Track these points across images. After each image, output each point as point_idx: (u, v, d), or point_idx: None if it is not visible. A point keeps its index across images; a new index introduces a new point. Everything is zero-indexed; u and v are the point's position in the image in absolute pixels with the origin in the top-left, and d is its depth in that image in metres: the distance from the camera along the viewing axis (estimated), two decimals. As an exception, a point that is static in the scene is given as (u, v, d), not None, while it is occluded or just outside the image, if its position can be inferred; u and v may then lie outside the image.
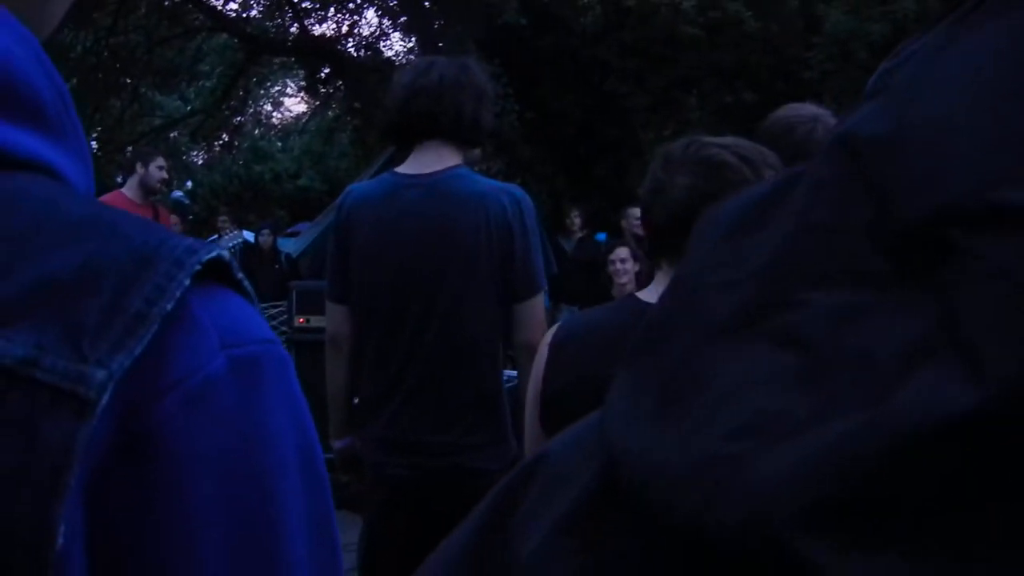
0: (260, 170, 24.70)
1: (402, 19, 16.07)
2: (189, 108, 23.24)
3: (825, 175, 0.46)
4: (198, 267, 0.54)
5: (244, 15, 17.23)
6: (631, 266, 8.01)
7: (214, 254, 0.56)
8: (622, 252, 8.17)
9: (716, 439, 0.42)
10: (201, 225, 17.77)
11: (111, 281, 0.52)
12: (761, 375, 0.43)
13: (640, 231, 2.26)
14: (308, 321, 6.95)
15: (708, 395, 0.44)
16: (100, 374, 0.49)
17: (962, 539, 0.38)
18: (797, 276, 0.44)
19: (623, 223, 9.77)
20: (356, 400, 3.20)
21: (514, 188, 3.10)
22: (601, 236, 10.79)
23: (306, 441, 0.59)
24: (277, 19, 17.32)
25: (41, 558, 0.48)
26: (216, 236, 10.71)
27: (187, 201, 9.09)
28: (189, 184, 22.29)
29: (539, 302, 3.04)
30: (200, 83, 23.42)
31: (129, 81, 17.68)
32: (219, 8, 16.78)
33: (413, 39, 16.21)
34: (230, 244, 10.12)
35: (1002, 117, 0.42)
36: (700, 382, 0.45)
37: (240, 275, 0.59)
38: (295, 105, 31.21)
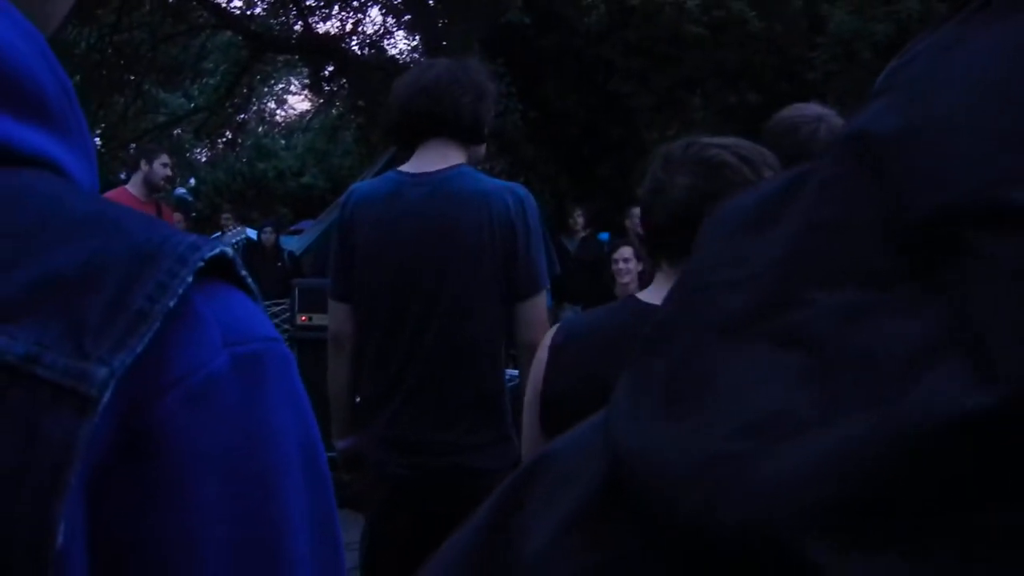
0: (263, 168, 24.73)
1: (406, 17, 16.08)
2: (193, 105, 23.26)
3: (832, 174, 0.46)
4: (201, 264, 0.54)
5: (248, 12, 17.25)
6: (634, 265, 8.01)
7: (217, 251, 0.55)
8: (625, 251, 8.17)
9: (718, 438, 0.42)
10: (204, 222, 17.78)
11: (114, 278, 0.51)
12: (765, 375, 0.43)
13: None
14: (311, 319, 6.97)
15: (711, 394, 0.44)
16: (102, 372, 0.49)
17: (965, 540, 0.38)
18: (803, 275, 0.44)
19: (627, 223, 9.77)
20: (358, 399, 3.20)
21: (517, 187, 3.10)
22: (604, 236, 10.79)
23: (309, 439, 0.58)
24: (281, 17, 17.34)
25: (41, 557, 0.47)
26: (219, 233, 10.72)
27: (190, 198, 9.10)
28: (192, 181, 22.33)
29: (541, 301, 3.04)
30: (204, 80, 23.45)
31: (133, 78, 17.71)
32: (223, 5, 16.79)
33: (417, 37, 16.23)
34: (233, 240, 10.14)
35: (1011, 116, 0.42)
36: (704, 381, 0.45)
37: (244, 272, 0.58)
38: (299, 103, 31.34)
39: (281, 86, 29.49)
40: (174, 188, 7.72)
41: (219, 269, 0.56)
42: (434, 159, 3.03)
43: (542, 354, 2.20)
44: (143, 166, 6.77)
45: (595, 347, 2.07)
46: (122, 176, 8.45)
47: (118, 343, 0.50)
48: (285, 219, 17.39)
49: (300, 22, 16.85)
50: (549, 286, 3.13)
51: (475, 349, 2.97)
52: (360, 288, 3.06)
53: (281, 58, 20.75)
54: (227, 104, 20.82)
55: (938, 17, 0.50)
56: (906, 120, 0.44)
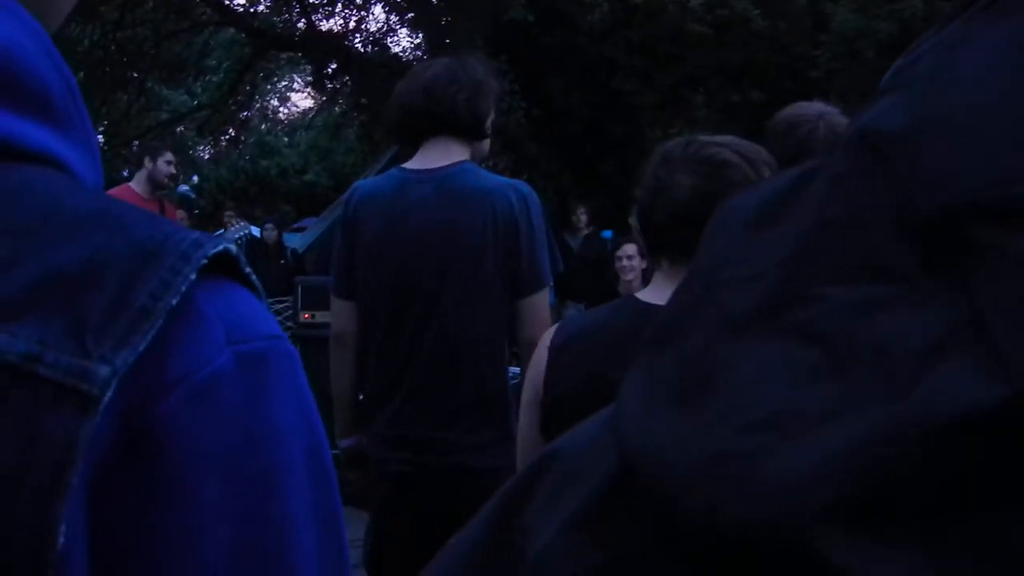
0: (266, 165, 24.74)
1: (409, 15, 16.07)
2: (196, 103, 23.25)
3: (843, 170, 0.46)
4: (204, 261, 0.53)
5: (251, 10, 17.24)
6: (638, 263, 8.00)
7: (220, 248, 0.55)
8: (629, 248, 8.16)
9: (728, 436, 0.42)
10: (207, 220, 17.79)
11: (116, 275, 0.51)
12: (778, 371, 0.43)
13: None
14: (313, 317, 6.97)
15: (724, 391, 0.44)
16: (104, 370, 0.49)
17: (984, 537, 0.38)
18: (815, 271, 0.44)
19: (631, 220, 9.76)
20: (361, 397, 3.20)
21: (521, 184, 3.10)
22: (607, 233, 10.79)
23: (313, 437, 0.58)
24: (284, 14, 17.32)
25: (42, 557, 0.47)
26: (222, 231, 10.72)
27: (193, 196, 9.10)
28: (195, 179, 22.33)
29: (544, 298, 3.04)
30: (207, 78, 23.44)
31: (136, 75, 17.70)
32: (226, 2, 16.79)
33: (420, 35, 16.22)
34: (236, 236, 10.13)
35: (1018, 113, 0.42)
36: (716, 378, 0.45)
37: (247, 269, 0.58)
38: (302, 100, 31.34)
39: (284, 83, 29.49)
40: (177, 185, 7.72)
41: (223, 266, 0.56)
42: (437, 156, 3.03)
43: (541, 355, 2.19)
44: (147, 163, 6.79)
45: (597, 348, 2.06)
46: (124, 173, 8.46)
47: (120, 341, 0.50)
48: (288, 216, 17.41)
49: (303, 19, 16.83)
50: (552, 283, 3.13)
51: (477, 347, 2.97)
52: (363, 285, 3.06)
53: (284, 55, 20.73)
54: (230, 101, 20.81)
55: (943, 16, 0.50)
56: (914, 117, 0.44)
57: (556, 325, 2.28)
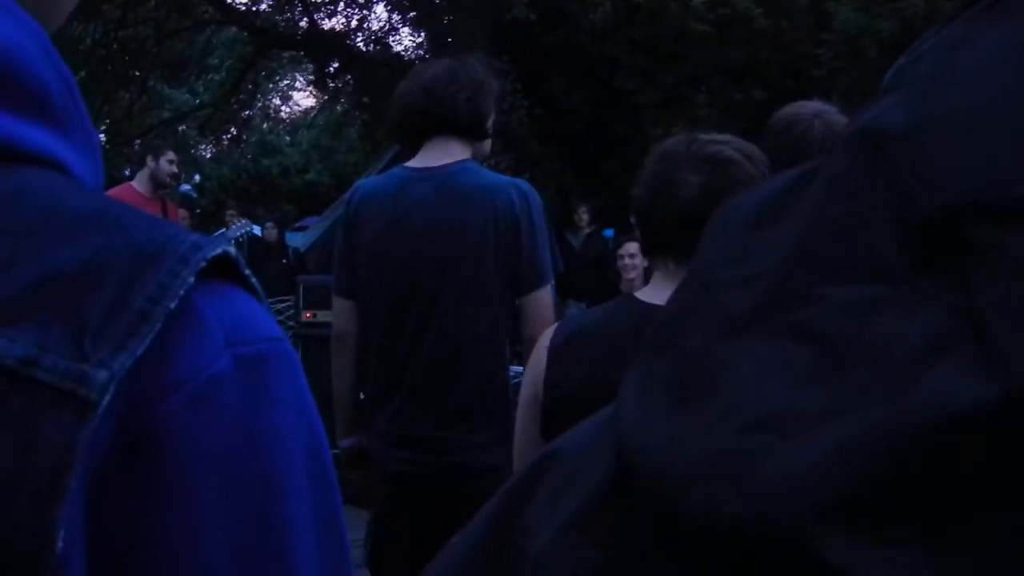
0: (268, 164, 24.74)
1: (411, 14, 16.07)
2: (198, 101, 23.23)
3: (842, 169, 0.46)
4: (203, 264, 0.53)
5: (253, 8, 17.24)
6: (640, 261, 8.00)
7: (220, 250, 0.55)
8: (631, 247, 8.16)
9: (730, 434, 0.42)
10: (209, 219, 17.79)
11: (115, 278, 0.51)
12: (777, 370, 0.43)
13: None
14: (315, 316, 6.98)
15: (723, 391, 0.44)
16: (102, 374, 0.49)
17: (984, 536, 0.38)
18: (814, 271, 0.44)
19: (632, 219, 9.75)
20: (362, 396, 3.21)
21: (522, 183, 3.11)
22: (609, 232, 10.79)
23: (313, 439, 0.58)
24: (287, 13, 17.32)
25: (41, 561, 0.47)
26: (224, 230, 10.73)
27: (195, 195, 9.10)
28: (197, 178, 22.33)
29: (547, 295, 3.04)
30: (209, 76, 23.44)
31: (138, 74, 17.70)
32: (228, 1, 16.78)
33: (422, 34, 16.22)
34: (237, 234, 10.14)
35: (1018, 113, 0.42)
36: (715, 378, 0.45)
37: (247, 271, 0.58)
38: (304, 99, 31.29)
39: (286, 82, 29.49)
40: (179, 184, 7.73)
41: (222, 269, 0.56)
42: (438, 155, 3.04)
43: (540, 355, 2.19)
44: (149, 162, 6.80)
45: (598, 348, 2.06)
46: (127, 172, 8.46)
47: (118, 345, 0.50)
48: (290, 216, 17.41)
49: (305, 18, 16.83)
50: (553, 282, 3.13)
51: (478, 346, 2.97)
52: (364, 284, 3.07)
53: (286, 54, 20.73)
54: (232, 100, 20.80)
55: (945, 15, 0.50)
56: (915, 117, 0.44)
57: (555, 325, 2.27)
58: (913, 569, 0.38)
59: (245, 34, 18.05)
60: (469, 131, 3.07)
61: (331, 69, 17.53)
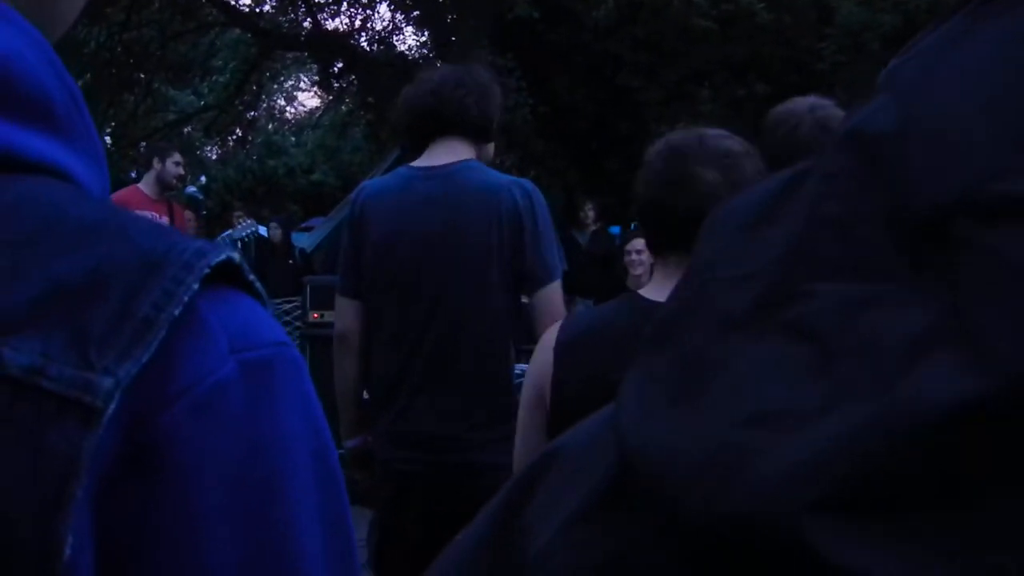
0: (274, 165, 24.72)
1: (415, 13, 16.07)
2: (202, 103, 23.25)
3: (835, 168, 0.47)
4: (207, 270, 0.53)
5: (257, 10, 17.24)
6: (647, 257, 7.98)
7: (223, 257, 0.55)
8: (638, 243, 8.14)
9: (725, 431, 0.43)
10: (215, 220, 17.80)
11: (119, 286, 0.51)
12: (770, 368, 0.43)
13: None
14: (322, 316, 6.97)
15: (720, 387, 0.44)
16: (107, 382, 0.49)
17: (974, 527, 0.39)
18: (808, 268, 0.45)
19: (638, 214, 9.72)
20: (366, 396, 3.22)
21: (525, 182, 3.13)
22: (615, 229, 10.79)
23: (320, 442, 0.58)
24: (290, 14, 17.33)
25: (49, 569, 0.47)
26: (230, 231, 10.74)
27: (201, 196, 9.09)
28: (203, 179, 22.32)
29: (556, 292, 3.04)
30: (213, 78, 23.46)
31: (143, 76, 17.72)
32: (232, 3, 16.79)
33: (426, 33, 16.22)
34: (243, 234, 10.15)
35: (1009, 109, 0.42)
36: (713, 376, 0.45)
37: (251, 277, 0.58)
38: (308, 100, 31.34)
39: (291, 83, 29.51)
40: (185, 186, 7.74)
41: (227, 274, 0.56)
42: (443, 155, 3.06)
43: (544, 355, 2.17)
44: (156, 164, 6.81)
45: (604, 347, 2.04)
46: (132, 175, 8.46)
47: (123, 353, 0.50)
48: (296, 216, 17.40)
49: (309, 19, 16.85)
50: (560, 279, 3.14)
51: (481, 344, 2.98)
52: (369, 283, 3.08)
53: (290, 55, 20.75)
54: (237, 101, 20.83)
55: (942, 12, 0.51)
56: (903, 117, 0.45)
57: (558, 324, 2.26)
58: (908, 563, 0.38)
59: (249, 35, 18.07)
60: (476, 133, 3.10)
61: (335, 69, 17.54)
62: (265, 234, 11.55)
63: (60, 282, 0.51)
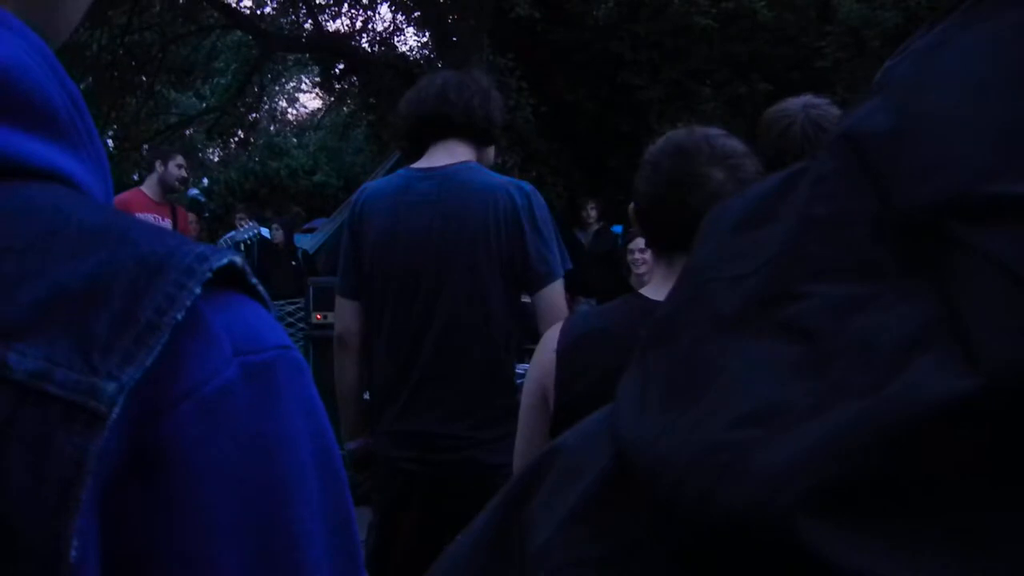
0: (276, 166, 24.70)
1: (415, 14, 16.05)
2: (204, 105, 23.22)
3: (828, 170, 0.47)
4: (209, 275, 0.54)
5: (258, 12, 17.23)
6: (650, 255, 7.97)
7: (225, 261, 0.56)
8: (641, 242, 8.13)
9: (719, 428, 0.44)
10: (218, 222, 17.79)
11: (121, 291, 0.52)
12: (764, 366, 0.44)
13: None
14: (326, 317, 6.97)
15: (714, 386, 0.45)
16: (111, 386, 0.49)
17: (961, 519, 0.39)
18: (800, 269, 0.45)
19: (630, 210, 9.70)
20: (367, 396, 3.22)
21: (524, 183, 3.14)
22: (618, 228, 10.78)
23: (323, 445, 0.59)
24: (291, 15, 17.32)
25: (54, 572, 0.48)
26: (233, 232, 10.74)
27: (203, 199, 9.09)
28: (205, 182, 22.32)
29: (558, 290, 3.05)
30: (215, 80, 23.45)
31: (144, 79, 17.68)
32: (233, 5, 16.78)
33: (427, 34, 16.20)
34: (246, 235, 10.15)
35: (999, 111, 0.43)
36: (707, 374, 0.46)
37: (254, 280, 0.59)
38: (310, 101, 31.32)
39: (292, 85, 29.49)
40: (187, 189, 7.74)
41: (229, 278, 0.56)
42: (442, 156, 3.08)
43: (546, 356, 2.16)
44: (158, 167, 6.83)
45: (607, 347, 2.04)
46: (135, 177, 8.46)
47: (127, 357, 0.50)
48: (299, 218, 17.40)
49: (310, 21, 16.83)
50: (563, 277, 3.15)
51: (481, 343, 2.99)
52: (369, 281, 3.09)
53: (291, 57, 20.73)
54: (238, 103, 20.79)
55: (935, 14, 0.51)
56: (895, 119, 0.45)
57: (559, 325, 2.25)
58: (899, 561, 0.39)
59: (250, 37, 18.04)
60: (479, 134, 3.11)
61: (336, 71, 17.53)
62: (268, 236, 11.55)
63: (64, 287, 0.51)
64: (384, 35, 17.04)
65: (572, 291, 9.16)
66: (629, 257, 8.26)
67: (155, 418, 0.51)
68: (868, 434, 0.40)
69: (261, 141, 26.44)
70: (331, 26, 17.05)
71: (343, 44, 16.59)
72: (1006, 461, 0.39)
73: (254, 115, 24.84)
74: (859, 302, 0.43)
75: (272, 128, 28.66)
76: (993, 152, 0.42)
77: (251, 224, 10.75)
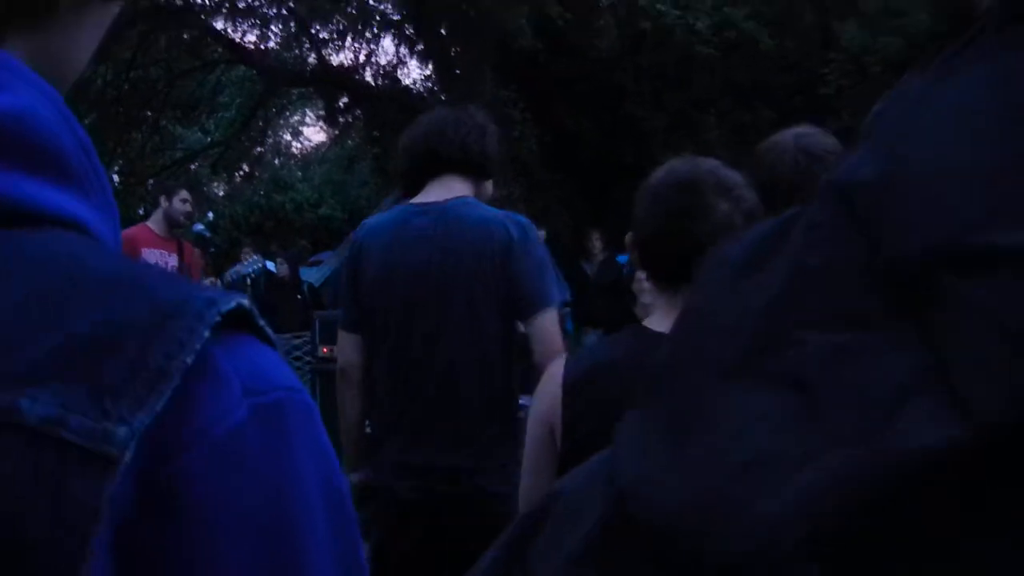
0: (281, 200, 24.76)
1: (419, 47, 16.11)
2: (209, 140, 23.28)
3: (819, 219, 0.48)
4: (217, 319, 0.55)
5: (262, 47, 17.31)
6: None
7: (233, 304, 0.56)
8: (645, 271, 8.12)
9: (718, 477, 0.44)
10: (224, 257, 17.81)
11: (134, 338, 0.52)
12: (759, 415, 0.45)
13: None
14: (332, 351, 6.97)
15: (712, 435, 0.46)
16: (122, 431, 0.50)
17: (956, 565, 0.40)
18: (794, 317, 0.46)
19: (627, 239, 9.70)
20: (369, 428, 3.24)
21: (520, 217, 3.18)
22: (623, 258, 10.77)
23: (332, 485, 0.59)
24: (295, 50, 17.38)
25: None
26: (237, 266, 10.77)
27: (208, 234, 9.12)
28: (211, 215, 22.36)
29: (551, 318, 3.06)
30: (220, 115, 23.52)
31: (150, 114, 17.74)
32: (238, 40, 16.85)
33: (430, 66, 16.25)
34: (249, 269, 10.17)
35: (986, 160, 0.43)
36: (705, 422, 0.47)
37: (262, 322, 0.59)
38: (314, 135, 31.38)
39: (296, 118, 29.54)
40: (193, 223, 7.77)
41: (237, 320, 0.57)
42: (440, 192, 3.13)
43: (551, 392, 2.15)
44: (163, 202, 6.86)
45: (612, 382, 2.03)
46: (140, 212, 8.48)
47: (138, 402, 0.51)
48: (304, 251, 17.41)
49: (313, 55, 16.88)
50: (568, 309, 3.16)
51: (480, 373, 3.02)
52: (368, 316, 3.12)
53: (296, 91, 20.79)
54: (243, 138, 20.84)
55: (928, 54, 0.52)
56: (883, 167, 0.46)
57: (563, 360, 2.23)
58: None
59: (254, 72, 18.11)
60: (477, 170, 3.16)
61: (341, 104, 17.58)
62: (272, 269, 11.57)
63: (80, 335, 0.52)
64: (387, 68, 17.11)
65: (579, 323, 9.17)
66: (635, 285, 8.26)
67: (166, 461, 0.52)
68: (861, 483, 0.40)
69: (266, 175, 26.49)
70: (335, 60, 17.13)
71: (347, 78, 16.64)
72: (995, 510, 0.39)
73: (259, 149, 24.89)
74: (851, 351, 0.43)
75: (277, 162, 28.71)
76: (980, 201, 0.42)
77: (256, 258, 10.78)
